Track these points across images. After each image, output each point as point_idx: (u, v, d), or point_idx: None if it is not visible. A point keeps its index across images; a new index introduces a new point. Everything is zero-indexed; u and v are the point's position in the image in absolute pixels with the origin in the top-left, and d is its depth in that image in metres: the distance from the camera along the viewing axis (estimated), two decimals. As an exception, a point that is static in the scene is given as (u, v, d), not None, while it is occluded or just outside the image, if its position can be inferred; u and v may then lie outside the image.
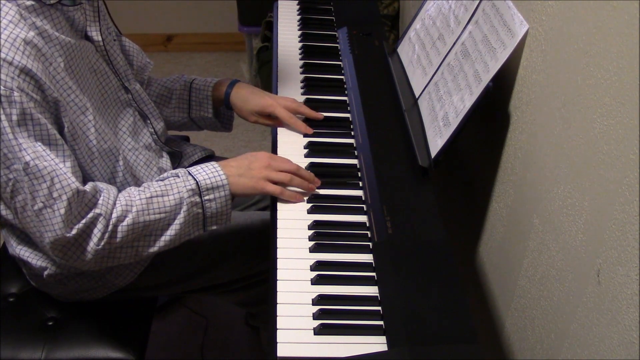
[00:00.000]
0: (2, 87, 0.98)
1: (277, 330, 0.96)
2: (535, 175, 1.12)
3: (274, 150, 1.33)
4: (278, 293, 1.03)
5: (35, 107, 1.02)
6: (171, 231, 1.15)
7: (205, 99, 1.46)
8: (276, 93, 1.49)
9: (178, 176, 1.17)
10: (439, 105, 1.27)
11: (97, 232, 1.08)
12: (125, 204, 1.11)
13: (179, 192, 1.14)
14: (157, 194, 1.13)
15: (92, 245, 1.08)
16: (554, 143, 1.05)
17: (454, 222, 1.59)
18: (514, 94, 1.20)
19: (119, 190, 1.15)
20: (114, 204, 1.10)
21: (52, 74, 1.05)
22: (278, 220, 1.17)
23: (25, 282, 1.38)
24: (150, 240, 1.15)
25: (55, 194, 1.03)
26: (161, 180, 1.17)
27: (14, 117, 1.00)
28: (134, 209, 1.11)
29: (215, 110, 1.48)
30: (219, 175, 1.17)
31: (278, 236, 1.13)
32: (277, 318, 0.98)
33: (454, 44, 1.31)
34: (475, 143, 1.43)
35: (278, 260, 1.09)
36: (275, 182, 1.20)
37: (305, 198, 1.21)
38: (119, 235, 1.10)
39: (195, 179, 1.16)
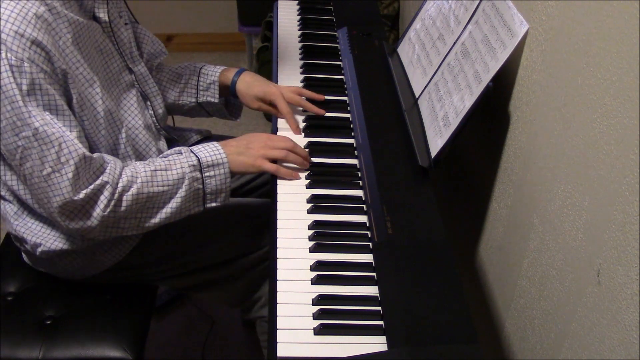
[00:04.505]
0: (13, 58, 1.04)
1: (277, 330, 0.96)
2: (535, 175, 1.12)
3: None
4: (278, 293, 1.02)
5: (45, 77, 1.07)
6: (173, 204, 1.21)
7: (211, 84, 1.50)
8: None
9: (181, 153, 1.24)
10: (439, 105, 1.27)
11: (103, 199, 1.13)
12: (131, 175, 1.17)
13: (181, 167, 1.20)
14: (161, 168, 1.20)
15: (98, 211, 1.13)
16: (554, 143, 1.05)
17: (454, 222, 1.59)
18: (514, 94, 1.20)
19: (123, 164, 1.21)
20: (120, 174, 1.16)
21: (61, 47, 1.10)
22: (278, 220, 1.17)
23: (23, 280, 1.38)
24: (153, 212, 1.20)
25: (63, 159, 1.08)
26: (165, 157, 1.24)
27: (24, 87, 1.05)
28: (139, 180, 1.17)
29: (225, 98, 1.54)
30: (220, 154, 1.23)
31: (278, 236, 1.13)
32: (277, 318, 0.98)
33: (454, 44, 1.31)
34: (475, 143, 1.43)
35: (278, 260, 1.08)
36: (272, 160, 1.26)
37: (302, 175, 1.26)
38: (124, 204, 1.15)
39: (197, 156, 1.22)
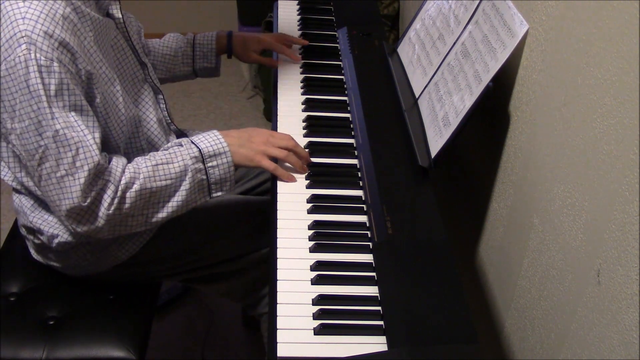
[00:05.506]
0: (42, 58, 1.05)
1: (277, 330, 0.96)
2: (535, 175, 1.12)
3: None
4: (278, 293, 1.03)
5: (71, 78, 1.08)
6: (178, 197, 1.21)
7: (210, 52, 1.61)
8: (275, 94, 1.49)
9: (181, 145, 1.23)
10: (439, 106, 1.27)
11: (107, 198, 1.14)
12: (133, 172, 1.17)
13: (183, 160, 1.20)
14: (162, 162, 1.19)
15: (103, 210, 1.14)
16: (554, 143, 1.05)
17: (454, 222, 1.59)
18: (514, 94, 1.21)
19: (130, 160, 1.21)
20: (123, 172, 1.16)
21: (86, 48, 1.12)
22: (278, 220, 1.17)
23: (26, 281, 1.38)
24: (159, 207, 1.20)
25: (78, 163, 1.10)
26: (165, 150, 1.24)
27: (52, 87, 1.06)
28: (141, 176, 1.17)
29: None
30: (220, 143, 1.23)
31: (278, 236, 1.13)
32: (277, 318, 0.98)
33: (454, 44, 1.31)
34: (475, 143, 1.43)
35: (278, 260, 1.09)
36: (272, 157, 1.26)
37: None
38: (128, 201, 1.15)
39: (198, 147, 1.22)
